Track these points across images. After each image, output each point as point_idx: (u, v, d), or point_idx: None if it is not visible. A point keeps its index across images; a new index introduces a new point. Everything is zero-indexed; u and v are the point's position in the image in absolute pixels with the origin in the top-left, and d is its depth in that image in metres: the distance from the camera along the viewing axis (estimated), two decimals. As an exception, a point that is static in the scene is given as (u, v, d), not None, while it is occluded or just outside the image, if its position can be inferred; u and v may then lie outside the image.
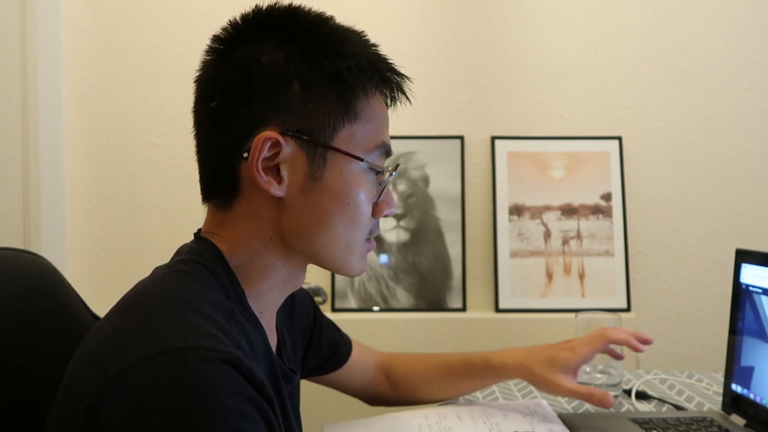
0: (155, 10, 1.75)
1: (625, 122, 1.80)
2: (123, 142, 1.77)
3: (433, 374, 1.05)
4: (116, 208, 1.77)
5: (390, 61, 0.72)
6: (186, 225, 1.77)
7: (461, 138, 1.77)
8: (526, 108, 1.80)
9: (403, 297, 1.73)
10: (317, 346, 0.96)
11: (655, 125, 1.80)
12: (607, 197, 1.76)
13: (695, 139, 1.80)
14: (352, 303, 1.72)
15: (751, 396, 0.99)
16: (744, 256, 1.03)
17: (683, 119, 1.80)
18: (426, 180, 1.76)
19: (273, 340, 0.75)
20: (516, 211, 1.76)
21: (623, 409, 1.11)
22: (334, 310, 1.71)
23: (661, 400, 1.15)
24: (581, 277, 1.73)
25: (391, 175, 0.72)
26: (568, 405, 1.13)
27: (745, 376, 1.01)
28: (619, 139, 1.78)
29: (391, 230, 1.73)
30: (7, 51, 1.56)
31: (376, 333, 1.64)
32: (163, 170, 1.77)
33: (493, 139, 1.78)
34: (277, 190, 0.66)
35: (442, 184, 1.76)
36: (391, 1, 1.77)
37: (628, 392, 1.17)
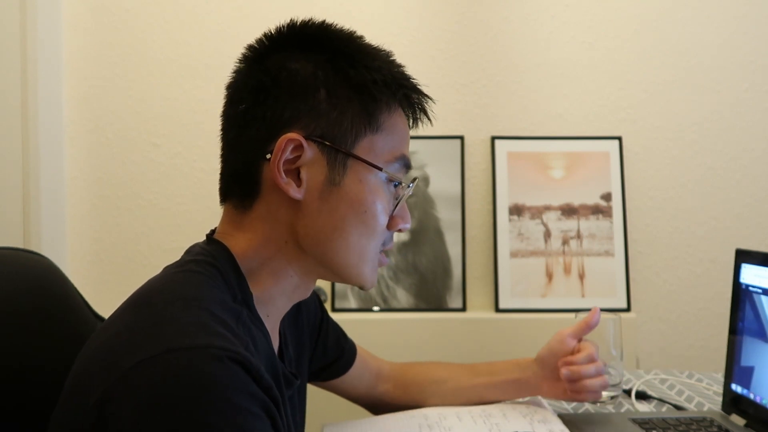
0: (155, 10, 1.75)
1: (625, 122, 1.80)
2: (123, 142, 1.77)
3: (454, 374, 1.06)
4: (116, 208, 1.77)
5: (414, 81, 0.74)
6: (186, 225, 1.77)
7: (461, 138, 1.78)
8: (526, 108, 1.80)
9: (403, 297, 1.73)
10: (323, 348, 0.96)
11: (655, 125, 1.80)
12: (607, 197, 1.76)
13: (695, 139, 1.80)
14: (352, 303, 1.72)
15: (751, 396, 0.99)
16: (744, 256, 1.03)
17: (683, 119, 1.80)
18: (426, 180, 1.76)
19: (275, 345, 0.75)
20: (516, 211, 1.76)
21: (623, 409, 1.11)
22: (334, 310, 1.71)
23: (661, 400, 1.15)
24: (581, 277, 1.73)
25: (409, 187, 0.73)
26: (568, 405, 1.13)
27: (745, 376, 1.01)
28: (619, 139, 1.78)
29: (391, 230, 1.73)
30: (7, 51, 1.56)
31: (376, 333, 1.64)
32: (163, 170, 1.77)
33: (493, 139, 1.78)
34: (296, 193, 0.67)
35: (442, 184, 1.76)
36: (391, 1, 1.77)
37: (628, 392, 1.18)
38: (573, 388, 0.99)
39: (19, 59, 1.58)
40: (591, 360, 0.99)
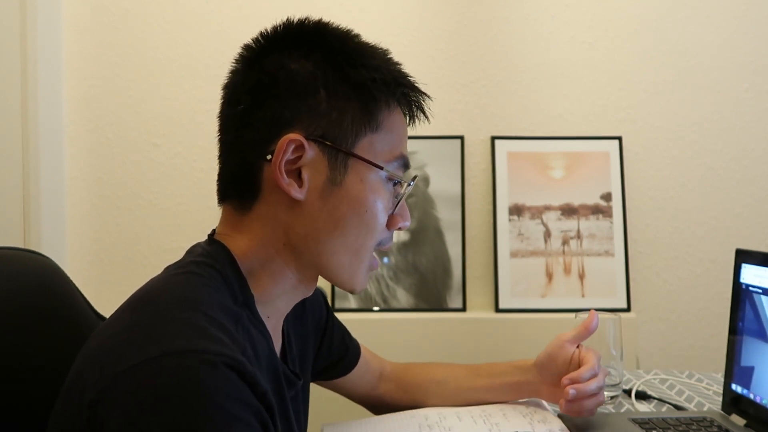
0: (155, 10, 1.75)
1: (625, 122, 1.80)
2: (123, 142, 1.77)
3: (455, 375, 1.06)
4: (116, 208, 1.77)
5: (412, 79, 0.74)
6: (186, 225, 1.77)
7: (461, 138, 1.78)
8: (526, 108, 1.80)
9: (403, 297, 1.73)
10: (328, 346, 0.96)
11: (655, 125, 1.80)
12: (607, 197, 1.76)
13: (695, 139, 1.80)
14: (352, 303, 1.72)
15: (751, 396, 0.99)
16: (744, 256, 1.03)
17: (683, 119, 1.80)
18: (426, 180, 1.76)
19: (278, 345, 0.75)
20: (516, 211, 1.76)
21: (623, 409, 1.11)
22: (334, 310, 1.71)
23: (661, 400, 1.15)
24: (581, 277, 1.73)
25: (409, 185, 0.73)
26: (568, 405, 1.13)
27: (745, 376, 1.01)
28: (619, 139, 1.78)
29: (391, 230, 1.73)
30: (7, 51, 1.56)
31: (376, 333, 1.64)
32: (163, 170, 1.77)
33: (493, 139, 1.78)
34: (297, 193, 0.67)
35: (442, 184, 1.76)
36: (391, 1, 1.77)
37: (628, 392, 1.18)
38: (571, 406, 0.94)
39: (19, 59, 1.58)
40: (593, 374, 0.94)
